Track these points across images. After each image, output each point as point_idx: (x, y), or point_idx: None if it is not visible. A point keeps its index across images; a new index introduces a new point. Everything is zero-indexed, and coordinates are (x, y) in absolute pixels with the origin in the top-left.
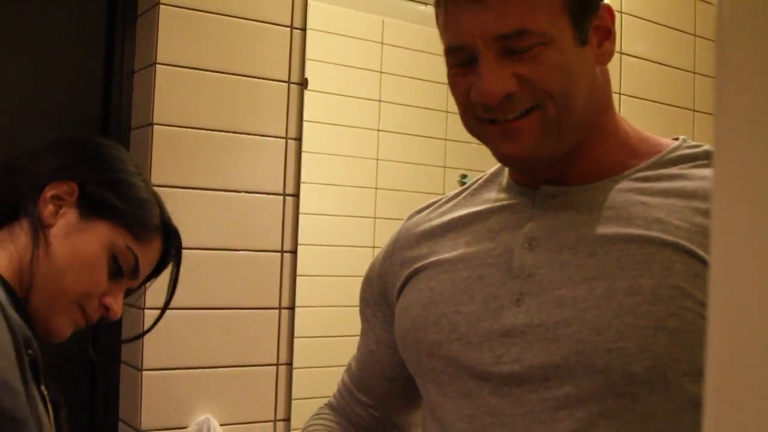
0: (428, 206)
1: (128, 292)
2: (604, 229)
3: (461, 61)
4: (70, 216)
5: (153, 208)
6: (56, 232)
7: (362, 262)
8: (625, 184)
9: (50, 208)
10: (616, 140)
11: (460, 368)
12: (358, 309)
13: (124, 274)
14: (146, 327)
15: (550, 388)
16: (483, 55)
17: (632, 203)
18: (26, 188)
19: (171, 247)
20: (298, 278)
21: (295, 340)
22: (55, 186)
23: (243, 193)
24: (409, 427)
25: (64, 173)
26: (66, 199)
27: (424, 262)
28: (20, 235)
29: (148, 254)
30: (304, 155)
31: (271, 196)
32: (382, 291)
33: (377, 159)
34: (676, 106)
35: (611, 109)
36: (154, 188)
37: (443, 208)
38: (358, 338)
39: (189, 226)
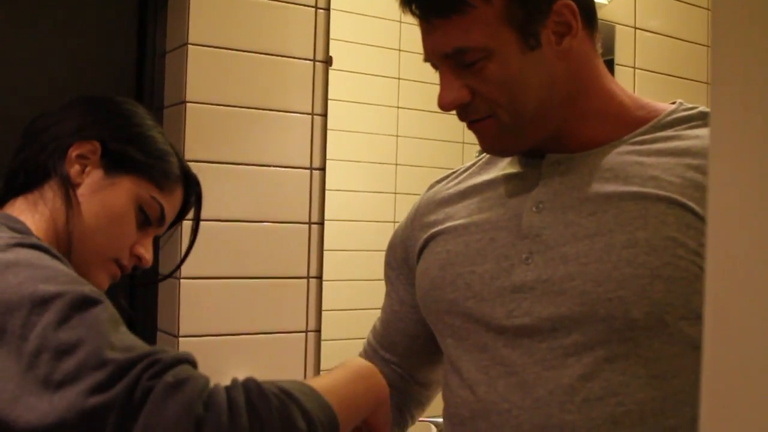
0: (447, 176)
1: (155, 239)
2: (604, 189)
3: (436, 70)
4: (95, 174)
5: (172, 159)
6: (84, 191)
7: (383, 237)
8: (623, 148)
9: (76, 167)
10: (608, 113)
11: (476, 323)
12: (380, 283)
13: (152, 223)
14: (181, 292)
15: (558, 337)
16: (440, 70)
17: (629, 164)
18: (51, 150)
19: (192, 194)
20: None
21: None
22: (78, 146)
23: (272, 167)
24: (430, 384)
25: (86, 132)
26: (90, 157)
27: (441, 227)
28: (51, 196)
29: (171, 202)
30: (327, 132)
31: (298, 170)
32: (404, 255)
33: (397, 135)
34: (691, 80)
35: (593, 91)
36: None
37: (460, 177)
38: (380, 311)
39: (221, 200)
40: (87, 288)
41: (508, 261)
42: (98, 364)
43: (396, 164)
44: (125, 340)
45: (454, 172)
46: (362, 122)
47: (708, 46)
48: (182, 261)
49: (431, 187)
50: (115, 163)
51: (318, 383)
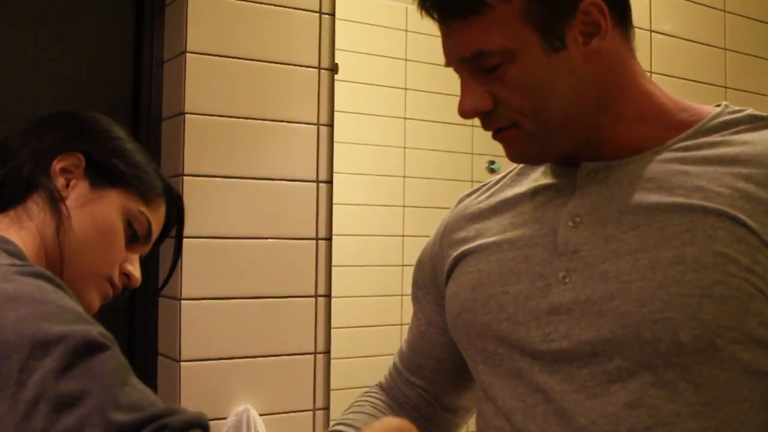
0: (477, 189)
1: (148, 257)
2: (646, 201)
3: (459, 77)
4: (81, 187)
5: (155, 173)
6: (71, 204)
7: (392, 251)
8: (666, 155)
9: (61, 180)
10: (646, 116)
11: (510, 348)
12: (389, 299)
13: (140, 238)
14: (182, 315)
15: (600, 362)
16: (461, 76)
17: (673, 173)
18: (34, 164)
19: (174, 210)
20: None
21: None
22: (62, 158)
23: (276, 181)
24: (458, 410)
25: (68, 145)
26: (74, 171)
27: (472, 245)
28: (36, 211)
29: (157, 218)
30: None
31: (304, 183)
32: (432, 274)
33: (404, 147)
34: (708, 83)
35: (628, 93)
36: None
37: (491, 190)
38: (391, 328)
39: (223, 216)
40: (95, 330)
41: (544, 280)
42: (100, 424)
43: (404, 176)
44: (133, 396)
45: (484, 185)
46: (369, 134)
47: (725, 49)
48: (166, 281)
49: (460, 201)
50: (100, 176)
51: None
